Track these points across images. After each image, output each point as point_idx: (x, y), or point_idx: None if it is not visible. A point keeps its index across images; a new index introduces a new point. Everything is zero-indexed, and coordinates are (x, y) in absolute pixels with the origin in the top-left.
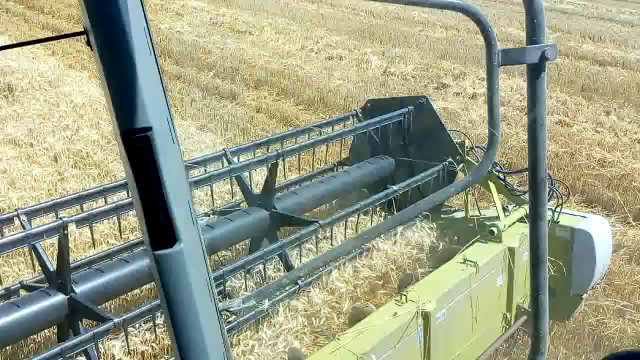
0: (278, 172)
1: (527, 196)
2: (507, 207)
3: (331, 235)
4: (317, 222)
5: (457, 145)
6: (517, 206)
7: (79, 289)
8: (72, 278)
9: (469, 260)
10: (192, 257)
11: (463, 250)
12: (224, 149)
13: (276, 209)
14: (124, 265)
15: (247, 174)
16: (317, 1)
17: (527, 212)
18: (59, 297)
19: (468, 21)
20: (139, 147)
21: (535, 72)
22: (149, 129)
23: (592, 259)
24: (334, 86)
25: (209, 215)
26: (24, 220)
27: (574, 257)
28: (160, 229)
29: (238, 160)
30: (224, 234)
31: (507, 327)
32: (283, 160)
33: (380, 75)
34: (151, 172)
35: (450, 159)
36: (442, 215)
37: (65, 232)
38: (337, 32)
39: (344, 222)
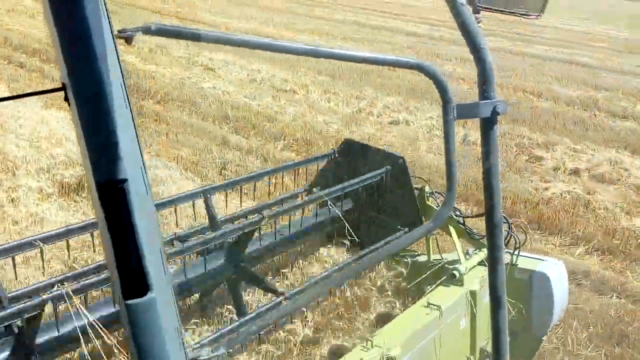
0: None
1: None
2: (467, 250)
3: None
4: (283, 294)
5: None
6: (478, 250)
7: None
8: None
9: (433, 304)
10: (163, 305)
11: (427, 294)
12: (204, 187)
13: (243, 262)
14: None
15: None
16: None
17: (486, 256)
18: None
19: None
20: (114, 198)
21: (487, 125)
22: (125, 180)
23: (550, 300)
24: (434, 163)
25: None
26: None
27: (533, 299)
28: (133, 278)
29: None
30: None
31: None
32: (267, 221)
33: (461, 144)
34: (126, 222)
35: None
36: (405, 260)
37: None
38: (387, 90)
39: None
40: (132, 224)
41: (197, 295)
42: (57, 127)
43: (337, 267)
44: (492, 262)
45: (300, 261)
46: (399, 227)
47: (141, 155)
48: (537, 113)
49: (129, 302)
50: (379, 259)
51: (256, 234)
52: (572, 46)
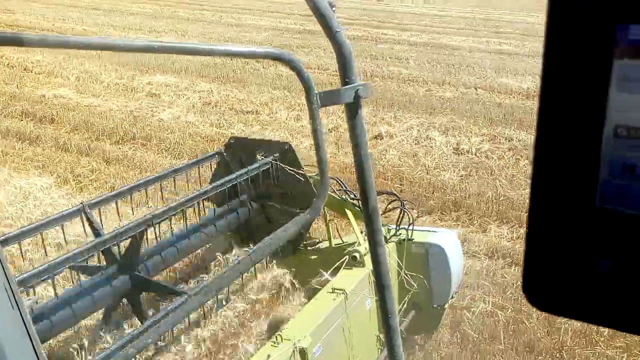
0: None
1: (383, 218)
2: (363, 230)
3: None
4: (185, 293)
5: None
6: None
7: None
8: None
9: (337, 289)
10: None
11: (327, 279)
12: (82, 203)
13: (140, 272)
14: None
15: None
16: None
17: (384, 234)
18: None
19: None
20: None
21: (352, 110)
22: None
23: (447, 269)
24: (484, 193)
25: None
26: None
27: (431, 270)
28: None
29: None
30: (79, 305)
31: (382, 347)
32: (153, 225)
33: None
34: None
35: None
36: (308, 248)
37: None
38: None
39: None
40: None
41: (101, 313)
42: None
43: (233, 264)
44: (373, 245)
45: (209, 265)
46: (297, 210)
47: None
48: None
49: None
50: (267, 250)
51: (153, 241)
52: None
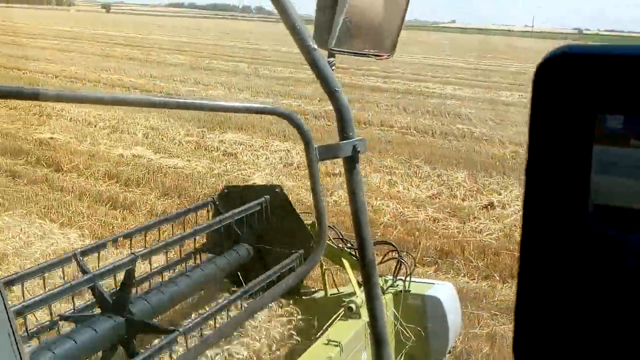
0: None
1: (379, 269)
2: (360, 281)
3: (185, 339)
4: (177, 330)
5: (310, 230)
6: None
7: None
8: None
9: (333, 341)
10: None
11: (325, 331)
12: (74, 250)
13: (132, 314)
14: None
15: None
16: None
17: (380, 284)
18: (117, 320)
19: None
20: None
21: (350, 164)
22: None
23: (445, 322)
24: None
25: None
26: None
27: (428, 323)
28: None
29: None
30: (71, 352)
31: None
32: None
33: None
34: None
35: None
36: (303, 297)
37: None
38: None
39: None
40: None
41: None
42: None
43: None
44: (370, 299)
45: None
46: (293, 251)
47: None
48: None
49: None
50: (267, 302)
51: (145, 286)
52: None
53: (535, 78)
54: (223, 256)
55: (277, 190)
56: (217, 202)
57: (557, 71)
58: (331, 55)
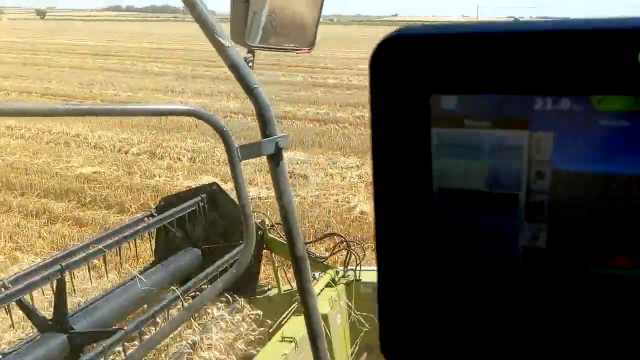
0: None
1: (330, 261)
2: (314, 275)
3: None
4: (121, 329)
5: (258, 224)
6: (323, 272)
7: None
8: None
9: (287, 337)
10: None
11: (279, 328)
12: (1, 280)
13: (74, 329)
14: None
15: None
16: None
17: (332, 277)
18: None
19: None
20: None
21: (274, 162)
22: None
23: None
24: None
25: None
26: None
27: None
28: None
29: None
30: None
31: None
32: (70, 274)
33: None
34: None
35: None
36: (258, 297)
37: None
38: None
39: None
40: None
41: None
42: None
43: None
44: (303, 295)
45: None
46: (240, 242)
47: None
48: None
49: None
50: (203, 301)
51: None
52: None
53: (371, 62)
54: (168, 263)
55: (213, 187)
56: (156, 215)
57: (392, 54)
58: (250, 51)
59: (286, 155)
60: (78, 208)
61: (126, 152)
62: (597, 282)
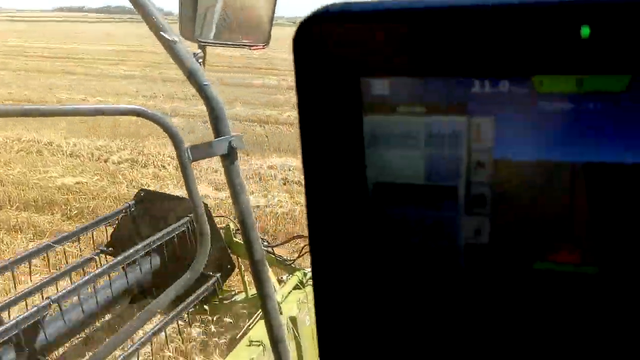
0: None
1: (297, 263)
2: (282, 277)
3: None
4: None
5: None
6: (290, 275)
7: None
8: None
9: (255, 341)
10: None
11: (246, 332)
12: None
13: (37, 351)
14: None
15: None
16: None
17: (300, 279)
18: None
19: None
20: None
21: (228, 162)
22: None
23: None
24: None
25: None
26: None
27: None
28: None
29: None
30: None
31: None
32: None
33: None
34: None
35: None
36: (224, 302)
37: None
38: None
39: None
40: None
41: None
42: None
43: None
44: (263, 298)
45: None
46: (210, 273)
47: None
48: None
49: None
50: (158, 308)
51: (52, 313)
52: None
53: (294, 45)
54: (132, 269)
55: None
56: (133, 208)
57: (315, 35)
58: (200, 48)
59: (279, 161)
60: (64, 221)
61: (106, 161)
62: (542, 278)
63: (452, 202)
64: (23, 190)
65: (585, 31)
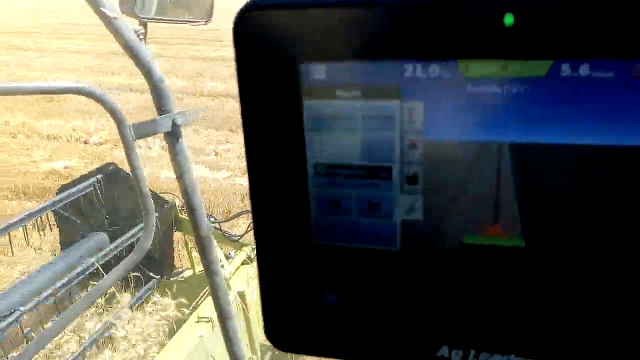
0: None
1: (245, 239)
2: (230, 253)
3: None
4: (18, 310)
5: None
6: (238, 250)
7: None
8: None
9: (203, 317)
10: None
11: (195, 309)
12: None
13: None
14: None
15: None
16: None
17: (248, 254)
18: None
19: None
20: None
21: (172, 140)
22: None
23: None
24: None
25: None
26: None
27: None
28: None
29: None
30: None
31: None
32: None
33: None
34: None
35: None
36: (171, 279)
37: None
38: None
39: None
40: None
41: None
42: None
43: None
44: (210, 275)
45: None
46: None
47: None
48: None
49: None
50: (105, 287)
51: None
52: None
53: (234, 32)
54: (71, 252)
55: (110, 167)
56: (102, 182)
57: (254, 21)
58: (142, 24)
59: None
60: None
61: (85, 142)
62: (472, 252)
63: (387, 181)
64: (9, 177)
65: (508, 19)
